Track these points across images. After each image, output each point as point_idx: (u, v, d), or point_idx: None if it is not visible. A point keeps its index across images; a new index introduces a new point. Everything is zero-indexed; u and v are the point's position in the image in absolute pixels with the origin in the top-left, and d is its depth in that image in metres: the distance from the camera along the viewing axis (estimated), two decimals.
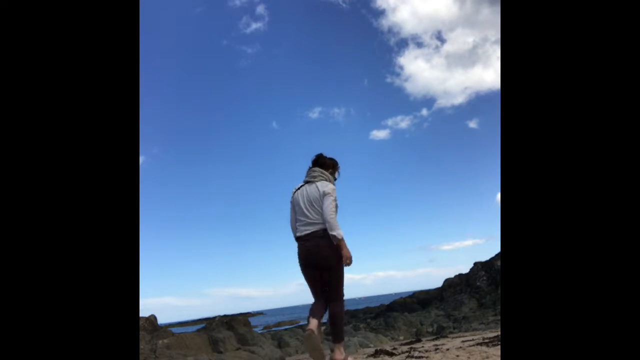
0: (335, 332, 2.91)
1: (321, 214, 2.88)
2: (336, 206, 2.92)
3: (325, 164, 3.15)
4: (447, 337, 6.96)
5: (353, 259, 2.88)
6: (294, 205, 3.06)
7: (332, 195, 2.90)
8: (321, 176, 3.04)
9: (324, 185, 2.95)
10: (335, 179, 3.17)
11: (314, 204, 2.93)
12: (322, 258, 2.89)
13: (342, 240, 2.81)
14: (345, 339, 8.52)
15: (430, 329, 14.05)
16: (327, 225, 2.85)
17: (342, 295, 2.98)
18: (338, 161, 3.26)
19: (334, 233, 2.81)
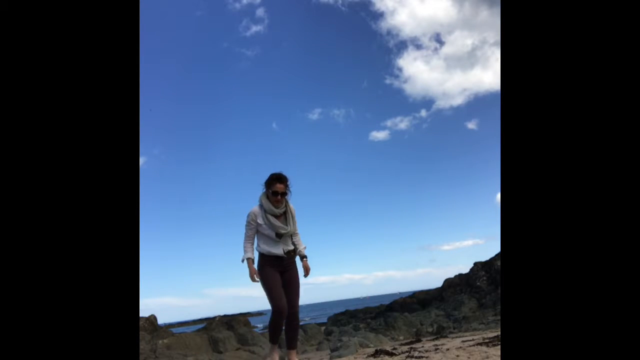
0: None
1: None
2: (262, 223, 3.22)
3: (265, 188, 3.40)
4: (447, 337, 6.96)
5: (256, 279, 3.25)
6: None
7: (245, 223, 3.31)
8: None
9: None
10: (274, 192, 3.27)
11: None
12: None
13: (245, 261, 3.27)
14: (345, 339, 8.52)
15: (430, 329, 14.04)
16: None
17: (272, 306, 3.23)
18: (287, 177, 3.37)
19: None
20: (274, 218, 3.24)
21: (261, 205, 3.28)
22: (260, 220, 3.24)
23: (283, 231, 3.25)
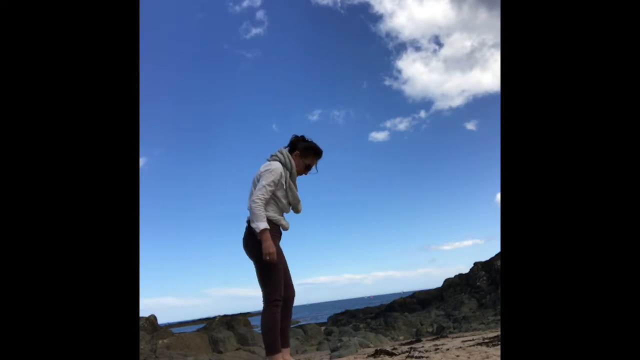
0: (264, 344, 2.50)
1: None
2: (284, 188, 2.56)
3: (291, 143, 2.71)
4: (447, 337, 6.96)
5: (276, 259, 2.44)
6: None
7: (265, 179, 2.46)
8: (275, 156, 2.63)
9: (265, 165, 2.57)
10: (308, 165, 2.68)
11: (252, 186, 2.58)
12: (247, 249, 2.56)
13: (261, 233, 2.40)
14: (345, 339, 8.51)
15: (430, 329, 14.05)
16: (250, 214, 2.49)
17: (274, 299, 2.46)
18: (321, 150, 2.70)
19: (253, 225, 2.43)
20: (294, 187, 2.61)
21: (286, 165, 2.59)
22: (284, 182, 2.54)
23: (301, 207, 2.67)
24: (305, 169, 2.69)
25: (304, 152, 2.66)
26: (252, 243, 2.50)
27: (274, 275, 2.47)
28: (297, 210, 2.68)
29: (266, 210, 2.49)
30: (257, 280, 2.53)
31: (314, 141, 2.72)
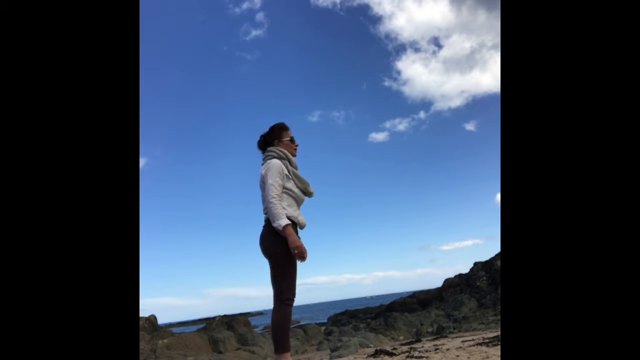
0: (273, 341, 2.49)
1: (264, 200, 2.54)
2: (290, 178, 2.60)
3: (265, 143, 2.75)
4: (447, 337, 6.96)
5: (307, 252, 2.45)
6: None
7: (270, 177, 2.50)
8: (268, 155, 2.66)
9: (264, 166, 2.60)
10: (291, 139, 2.75)
11: (261, 190, 2.62)
12: (263, 247, 2.55)
13: (285, 228, 2.40)
14: (345, 339, 8.50)
15: (430, 329, 14.05)
16: (268, 215, 2.48)
17: (286, 297, 2.46)
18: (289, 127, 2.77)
19: (274, 225, 2.42)
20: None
21: (282, 157, 2.62)
22: (288, 172, 2.58)
23: (313, 190, 2.67)
24: (294, 144, 2.75)
25: (279, 135, 2.72)
26: (268, 241, 2.51)
27: (288, 274, 2.47)
28: (309, 194, 2.70)
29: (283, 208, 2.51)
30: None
31: (273, 125, 2.78)
